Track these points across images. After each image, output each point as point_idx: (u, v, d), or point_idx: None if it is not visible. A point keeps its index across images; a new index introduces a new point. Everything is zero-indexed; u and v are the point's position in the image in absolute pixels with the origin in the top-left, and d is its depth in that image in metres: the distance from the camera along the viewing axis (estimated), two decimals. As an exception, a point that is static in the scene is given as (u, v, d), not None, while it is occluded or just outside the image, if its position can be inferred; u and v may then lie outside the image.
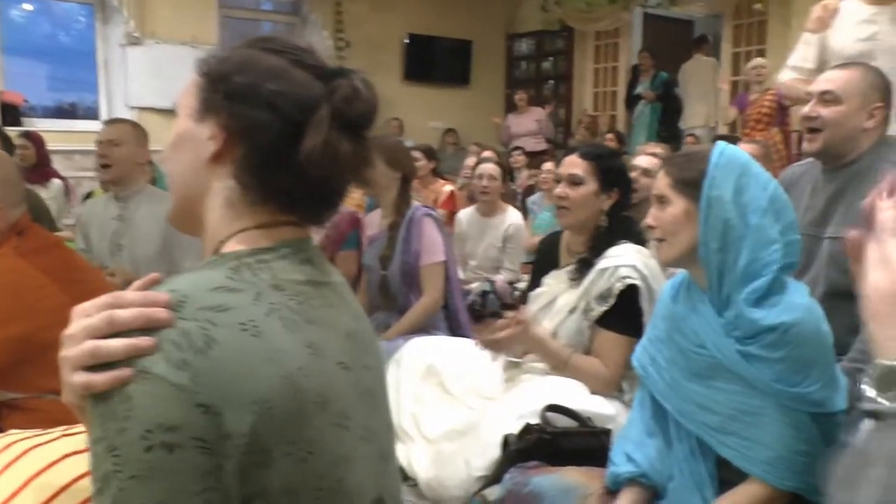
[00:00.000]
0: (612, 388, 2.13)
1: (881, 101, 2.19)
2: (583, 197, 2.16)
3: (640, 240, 2.19)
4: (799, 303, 1.44)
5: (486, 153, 6.20)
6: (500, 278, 4.51)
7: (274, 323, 0.85)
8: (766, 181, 1.48)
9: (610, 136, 7.81)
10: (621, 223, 2.23)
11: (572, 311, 2.16)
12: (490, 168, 4.64)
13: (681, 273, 1.64)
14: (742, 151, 1.51)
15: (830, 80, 2.19)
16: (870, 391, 0.72)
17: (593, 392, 2.09)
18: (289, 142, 0.89)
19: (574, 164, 2.20)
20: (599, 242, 2.19)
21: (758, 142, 4.83)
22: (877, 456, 0.66)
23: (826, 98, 2.17)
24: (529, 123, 9.17)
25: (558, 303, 2.19)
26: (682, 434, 1.57)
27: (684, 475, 1.55)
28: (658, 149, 3.99)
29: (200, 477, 0.76)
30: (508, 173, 5.64)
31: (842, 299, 1.89)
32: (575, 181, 2.17)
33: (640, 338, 1.78)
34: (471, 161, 6.35)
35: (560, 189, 2.18)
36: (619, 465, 1.68)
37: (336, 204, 0.96)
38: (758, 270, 1.44)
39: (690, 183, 1.51)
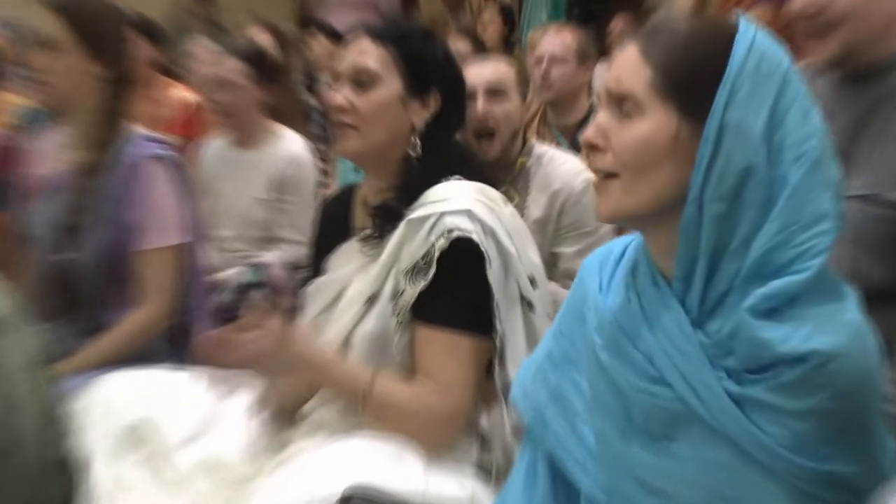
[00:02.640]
0: (451, 431, 1.56)
1: None
2: (378, 106, 1.65)
3: (486, 177, 1.68)
4: (847, 320, 1.03)
5: (261, 38, 4.40)
6: (275, 258, 3.04)
7: None
8: (810, 106, 1.06)
9: (489, 14, 5.93)
10: (449, 153, 1.69)
11: (371, 299, 1.62)
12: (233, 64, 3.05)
13: (622, 239, 1.22)
14: (780, 50, 1.06)
15: None
16: None
17: (429, 450, 1.52)
18: None
19: (360, 51, 1.67)
20: (410, 181, 1.65)
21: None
22: None
23: None
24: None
25: (349, 292, 1.66)
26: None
27: None
28: (569, 33, 3.47)
29: None
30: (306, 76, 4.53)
31: (875, 300, 1.20)
32: (363, 79, 1.64)
33: (489, 334, 1.50)
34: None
35: (337, 95, 1.65)
36: None
37: None
38: (786, 263, 1.03)
39: (691, 86, 1.04)
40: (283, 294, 2.96)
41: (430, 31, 1.81)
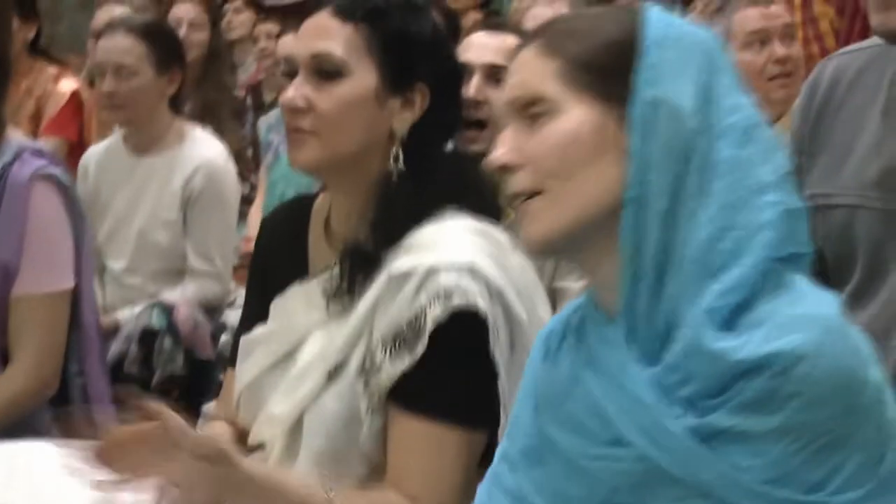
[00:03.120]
0: None
1: None
2: (344, 105, 1.50)
3: (490, 206, 1.57)
4: (815, 315, 1.05)
5: (185, 7, 4.06)
6: (181, 297, 2.73)
7: None
8: (736, 78, 1.14)
9: None
10: (441, 168, 1.58)
11: (334, 372, 1.49)
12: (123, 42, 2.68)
13: (568, 307, 1.25)
14: (695, 25, 1.17)
15: None
16: None
17: None
18: None
19: (322, 32, 1.51)
20: (392, 214, 1.51)
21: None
22: None
23: None
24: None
25: (304, 355, 1.52)
26: None
27: None
28: (563, 4, 3.24)
29: None
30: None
31: None
32: (325, 69, 1.50)
33: (487, 425, 1.45)
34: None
35: (290, 90, 1.51)
36: None
37: None
38: (733, 251, 1.06)
39: (603, 70, 1.09)
40: (195, 345, 2.69)
41: (417, 1, 1.64)
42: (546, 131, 1.07)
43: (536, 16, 3.04)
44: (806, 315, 1.04)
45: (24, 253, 1.98)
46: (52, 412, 2.04)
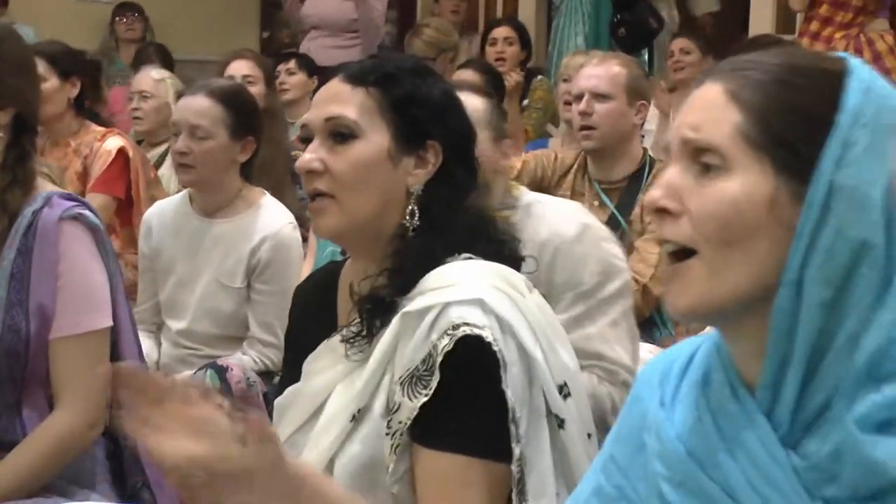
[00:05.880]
0: None
1: None
2: (359, 167, 1.50)
3: (507, 255, 1.57)
4: None
5: (240, 65, 3.97)
6: (239, 362, 2.59)
7: None
8: None
9: (503, 31, 4.88)
10: (456, 222, 1.54)
11: (358, 416, 1.49)
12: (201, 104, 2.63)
13: (687, 343, 1.18)
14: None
15: None
16: None
17: None
18: None
19: (334, 97, 1.54)
20: (407, 263, 1.50)
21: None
22: None
23: None
24: (336, 2, 5.50)
25: (329, 407, 1.52)
26: None
27: None
28: (616, 62, 3.09)
29: None
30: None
31: None
32: (339, 132, 1.51)
33: (509, 461, 1.41)
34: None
35: (307, 154, 1.51)
36: None
37: None
38: None
39: (792, 137, 0.98)
40: (248, 406, 2.50)
41: (423, 65, 1.64)
42: (714, 189, 0.99)
43: (588, 74, 3.00)
44: None
45: (59, 295, 1.97)
46: (104, 462, 2.02)
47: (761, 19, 5.12)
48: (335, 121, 1.49)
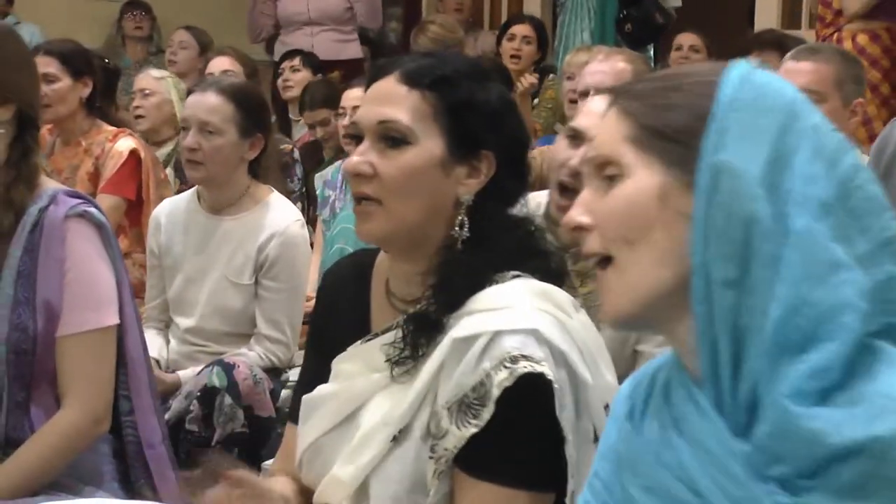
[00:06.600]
0: None
1: None
2: (410, 173, 1.44)
3: (554, 270, 1.53)
4: None
5: (221, 61, 4.14)
6: (245, 360, 2.63)
7: None
8: (836, 148, 1.06)
9: (523, 28, 4.85)
10: (506, 235, 1.51)
11: (400, 437, 1.46)
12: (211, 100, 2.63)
13: (653, 362, 1.20)
14: (785, 83, 1.09)
15: None
16: None
17: None
18: None
19: (388, 98, 1.46)
20: (455, 279, 1.45)
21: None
22: None
23: None
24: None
25: (366, 419, 1.47)
26: None
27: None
28: (621, 58, 3.00)
29: None
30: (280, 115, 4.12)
31: None
32: (391, 136, 1.44)
33: (554, 488, 1.42)
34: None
35: (355, 157, 1.46)
36: None
37: None
38: (812, 330, 1.00)
39: (673, 135, 1.05)
40: (255, 403, 2.61)
41: (481, 68, 1.58)
42: (612, 195, 1.04)
43: (593, 71, 2.94)
44: None
45: (66, 292, 1.97)
46: (111, 459, 2.02)
47: (767, 11, 5.08)
48: (388, 125, 1.44)
